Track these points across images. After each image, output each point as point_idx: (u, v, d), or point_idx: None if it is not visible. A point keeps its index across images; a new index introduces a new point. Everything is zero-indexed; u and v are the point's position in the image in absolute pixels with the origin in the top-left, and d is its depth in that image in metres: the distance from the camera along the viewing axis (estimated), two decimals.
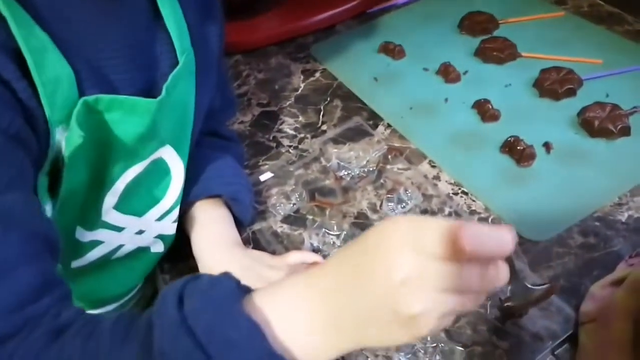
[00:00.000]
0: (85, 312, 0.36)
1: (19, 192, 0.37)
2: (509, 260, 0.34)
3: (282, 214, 0.64)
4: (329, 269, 0.35)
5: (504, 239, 0.31)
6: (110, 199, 0.48)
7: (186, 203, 0.57)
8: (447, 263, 0.31)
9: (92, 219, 0.49)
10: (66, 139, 0.41)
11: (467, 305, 0.33)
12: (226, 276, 0.35)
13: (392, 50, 0.85)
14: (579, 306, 0.52)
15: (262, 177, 0.68)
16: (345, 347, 0.34)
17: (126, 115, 0.44)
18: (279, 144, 0.74)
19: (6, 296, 0.33)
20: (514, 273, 0.44)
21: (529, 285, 0.47)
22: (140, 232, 0.53)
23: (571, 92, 0.74)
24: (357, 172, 0.68)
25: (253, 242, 0.62)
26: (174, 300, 0.33)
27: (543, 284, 0.49)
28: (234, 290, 0.34)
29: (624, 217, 0.60)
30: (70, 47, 0.41)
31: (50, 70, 0.39)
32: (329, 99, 0.80)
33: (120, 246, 0.53)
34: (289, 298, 0.35)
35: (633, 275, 0.49)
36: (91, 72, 0.42)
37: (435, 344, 0.51)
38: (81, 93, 0.41)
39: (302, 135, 0.75)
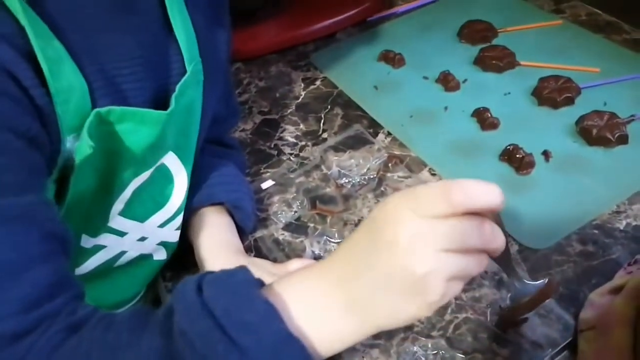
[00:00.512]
0: (99, 309, 0.37)
1: (37, 193, 0.38)
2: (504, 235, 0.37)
3: (283, 221, 0.65)
4: (339, 256, 0.37)
5: (492, 190, 0.34)
6: (118, 205, 0.49)
7: (189, 210, 0.57)
8: (446, 221, 0.33)
9: (98, 226, 0.49)
10: (76, 147, 0.42)
11: (471, 269, 0.35)
12: (242, 268, 0.36)
13: (392, 59, 0.85)
14: (578, 314, 0.52)
15: (264, 185, 0.69)
16: (362, 330, 0.35)
17: (137, 126, 0.44)
18: (280, 152, 0.74)
19: (24, 293, 0.34)
20: (509, 259, 0.44)
21: (527, 281, 0.47)
22: (143, 238, 0.54)
23: (569, 101, 0.75)
24: (358, 180, 0.68)
25: (254, 249, 0.63)
26: (192, 288, 0.34)
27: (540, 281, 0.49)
28: (250, 278, 0.35)
29: (622, 225, 0.61)
30: (84, 57, 0.42)
31: (65, 80, 0.40)
32: (329, 107, 0.81)
33: (123, 253, 0.53)
34: (305, 286, 0.36)
35: (631, 282, 0.50)
36: (103, 81, 0.43)
37: (436, 351, 0.51)
38: (93, 102, 0.42)
39: (303, 143, 0.75)
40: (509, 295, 0.55)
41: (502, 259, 0.43)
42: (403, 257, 0.33)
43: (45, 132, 0.40)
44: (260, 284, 0.36)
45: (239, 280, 0.35)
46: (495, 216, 0.37)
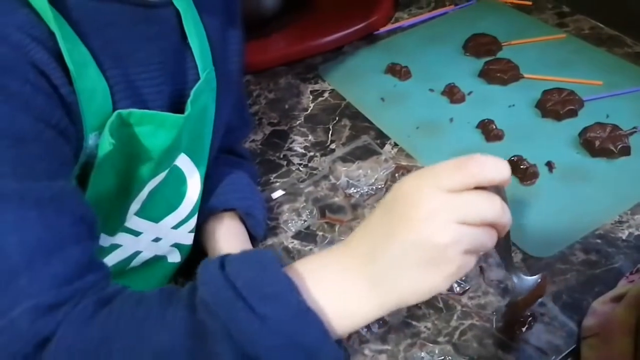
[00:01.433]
0: (127, 287, 0.39)
1: (67, 180, 0.41)
2: (507, 236, 0.41)
3: (293, 230, 0.67)
4: (359, 234, 0.39)
5: (502, 164, 0.37)
6: (135, 206, 0.51)
7: (203, 216, 0.59)
8: (461, 195, 0.36)
9: (115, 225, 0.51)
10: (99, 144, 0.44)
11: (484, 242, 0.37)
12: (262, 249, 0.38)
13: (398, 71, 0.87)
14: (581, 321, 0.54)
15: (274, 195, 0.71)
16: (381, 306, 0.37)
17: (156, 129, 0.47)
18: (290, 162, 0.76)
19: (57, 271, 0.36)
20: (509, 249, 0.47)
21: (524, 276, 0.49)
22: (157, 239, 0.55)
23: (572, 113, 0.76)
24: (366, 190, 0.70)
25: None
26: (215, 264, 0.36)
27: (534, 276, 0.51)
28: (271, 256, 0.37)
29: (624, 234, 0.62)
30: (107, 62, 0.44)
31: (89, 82, 0.42)
32: (337, 118, 0.82)
33: (138, 253, 0.55)
34: (324, 264, 0.38)
35: (633, 291, 0.51)
36: (124, 85, 0.45)
37: (442, 357, 0.53)
38: (114, 104, 0.44)
39: (311, 153, 0.77)
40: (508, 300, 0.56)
41: (504, 248, 0.46)
42: (422, 229, 0.35)
43: (72, 127, 0.42)
44: (281, 262, 0.38)
45: (260, 257, 0.37)
46: (501, 193, 0.39)
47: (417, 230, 0.35)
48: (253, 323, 0.33)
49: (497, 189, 0.38)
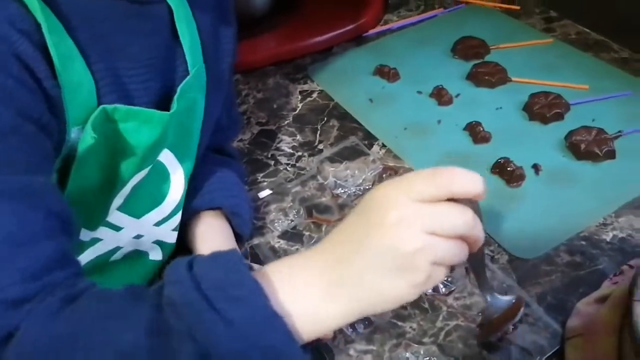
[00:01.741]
0: (97, 284, 0.38)
1: (46, 175, 0.40)
2: (481, 249, 0.41)
3: (279, 230, 0.66)
4: (330, 239, 0.39)
5: (475, 178, 0.37)
6: (118, 200, 0.50)
7: (188, 214, 0.59)
8: (433, 205, 0.36)
9: (97, 220, 0.50)
10: (80, 139, 0.43)
11: (454, 254, 0.37)
12: (231, 250, 0.38)
13: (387, 73, 0.87)
14: (565, 322, 0.54)
15: (261, 194, 0.70)
16: (347, 313, 0.37)
17: (140, 126, 0.46)
18: (277, 162, 0.76)
19: (28, 264, 0.35)
20: (483, 266, 0.47)
21: (498, 296, 0.49)
22: (139, 236, 0.55)
23: (559, 116, 0.77)
24: (353, 190, 0.70)
25: (251, 257, 0.64)
26: (183, 265, 0.36)
27: (508, 295, 0.51)
28: (239, 258, 0.37)
29: (608, 236, 0.63)
30: (94, 56, 0.43)
31: (74, 75, 0.42)
32: (325, 118, 0.82)
33: (118, 248, 0.54)
34: (293, 268, 0.38)
35: (616, 292, 0.51)
36: (111, 79, 0.45)
37: (427, 358, 0.53)
38: (99, 99, 0.44)
39: (299, 153, 0.77)
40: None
41: (477, 265, 0.46)
42: (392, 237, 0.35)
43: (55, 122, 0.41)
44: (250, 266, 0.38)
45: (228, 259, 0.37)
46: (475, 207, 0.39)
47: (386, 239, 0.35)
48: (217, 325, 0.33)
49: (470, 203, 0.38)
